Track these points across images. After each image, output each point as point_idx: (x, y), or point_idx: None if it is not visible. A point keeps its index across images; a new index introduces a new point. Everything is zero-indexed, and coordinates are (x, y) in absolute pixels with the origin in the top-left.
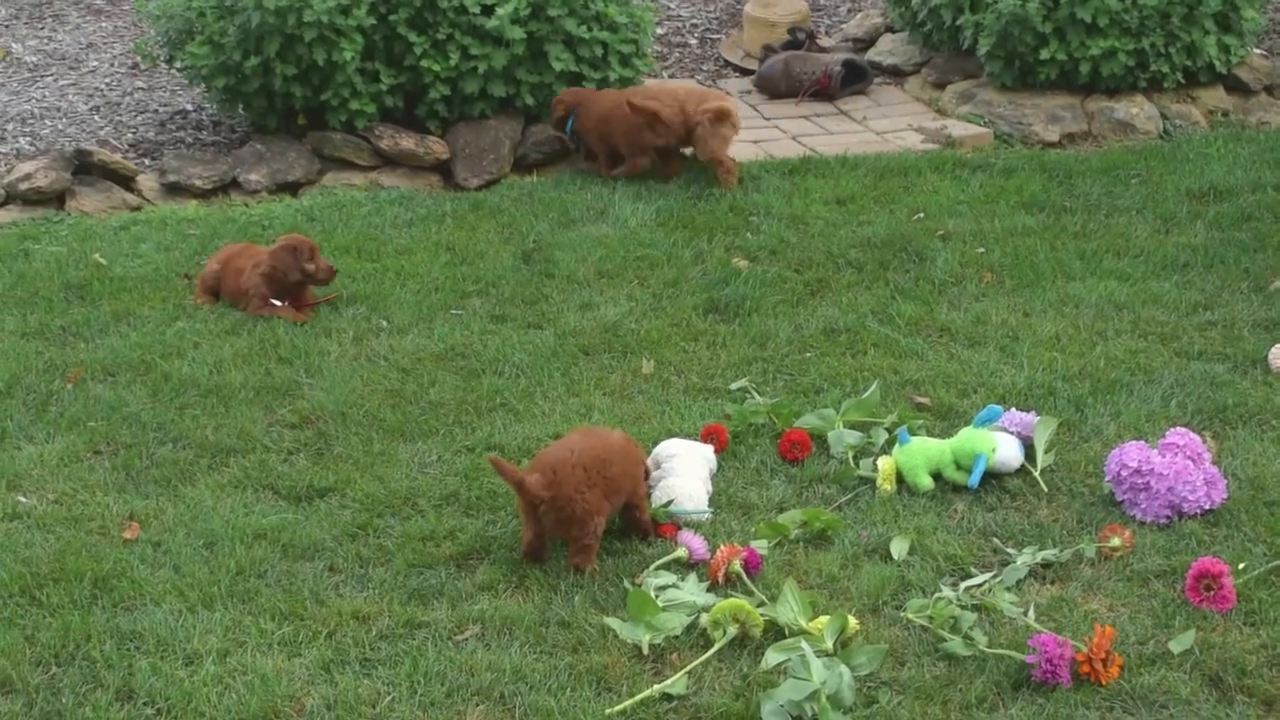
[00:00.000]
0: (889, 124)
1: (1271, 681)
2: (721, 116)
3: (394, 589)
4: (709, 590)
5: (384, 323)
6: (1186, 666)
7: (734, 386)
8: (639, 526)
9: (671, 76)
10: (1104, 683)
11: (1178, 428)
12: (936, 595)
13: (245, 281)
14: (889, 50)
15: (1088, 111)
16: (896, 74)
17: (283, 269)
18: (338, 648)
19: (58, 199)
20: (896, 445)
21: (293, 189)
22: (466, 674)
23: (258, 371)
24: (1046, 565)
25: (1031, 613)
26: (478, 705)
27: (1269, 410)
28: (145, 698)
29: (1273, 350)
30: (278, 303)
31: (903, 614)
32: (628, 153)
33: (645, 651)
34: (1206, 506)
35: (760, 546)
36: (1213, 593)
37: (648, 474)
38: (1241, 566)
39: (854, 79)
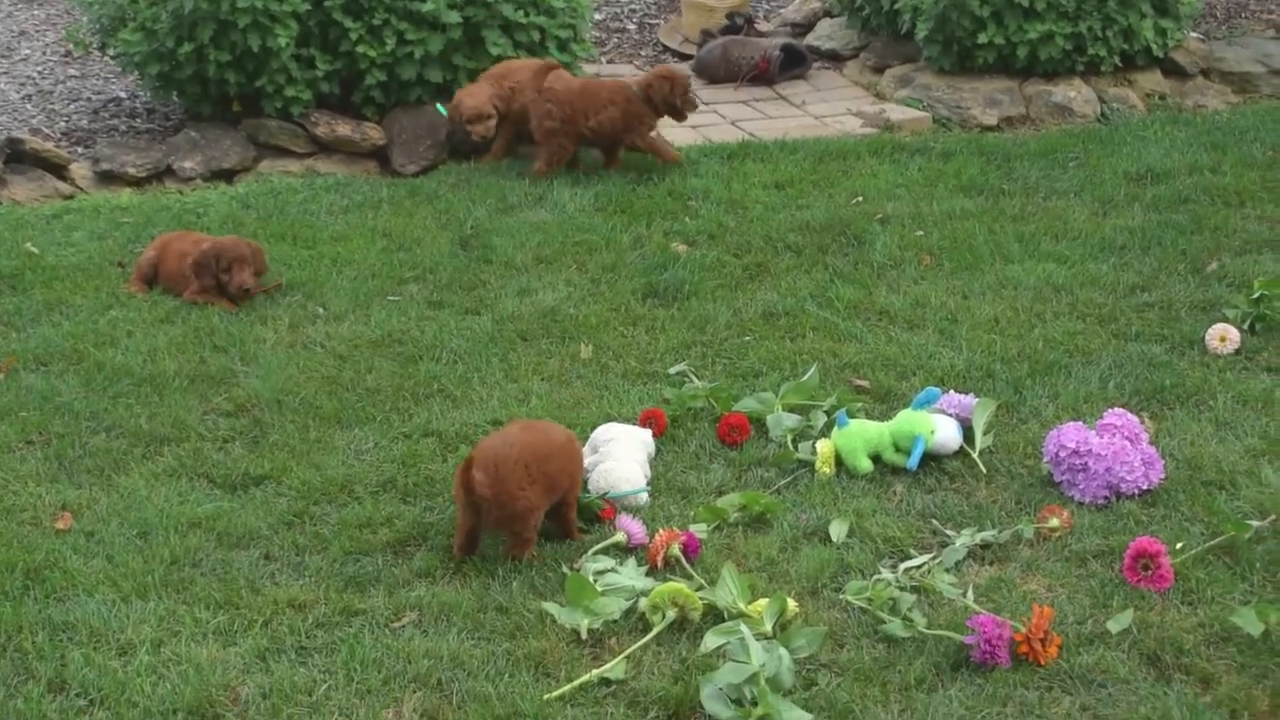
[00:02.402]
0: (827, 108)
1: (1209, 660)
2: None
3: (330, 576)
4: (648, 574)
5: (320, 310)
6: (1124, 646)
7: (672, 371)
8: (565, 526)
9: (610, 62)
10: (1042, 663)
11: (1115, 408)
12: (875, 577)
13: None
14: (827, 35)
15: (1026, 95)
16: (835, 58)
17: (199, 269)
18: (273, 636)
19: None
20: (835, 428)
21: (228, 176)
22: (403, 661)
23: (192, 359)
24: (985, 546)
25: (970, 594)
26: (415, 692)
27: (1206, 391)
28: (78, 689)
29: (1210, 331)
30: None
31: (842, 596)
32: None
33: (584, 636)
34: (1144, 487)
35: (699, 530)
36: (1150, 572)
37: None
38: (1179, 546)
39: (792, 64)
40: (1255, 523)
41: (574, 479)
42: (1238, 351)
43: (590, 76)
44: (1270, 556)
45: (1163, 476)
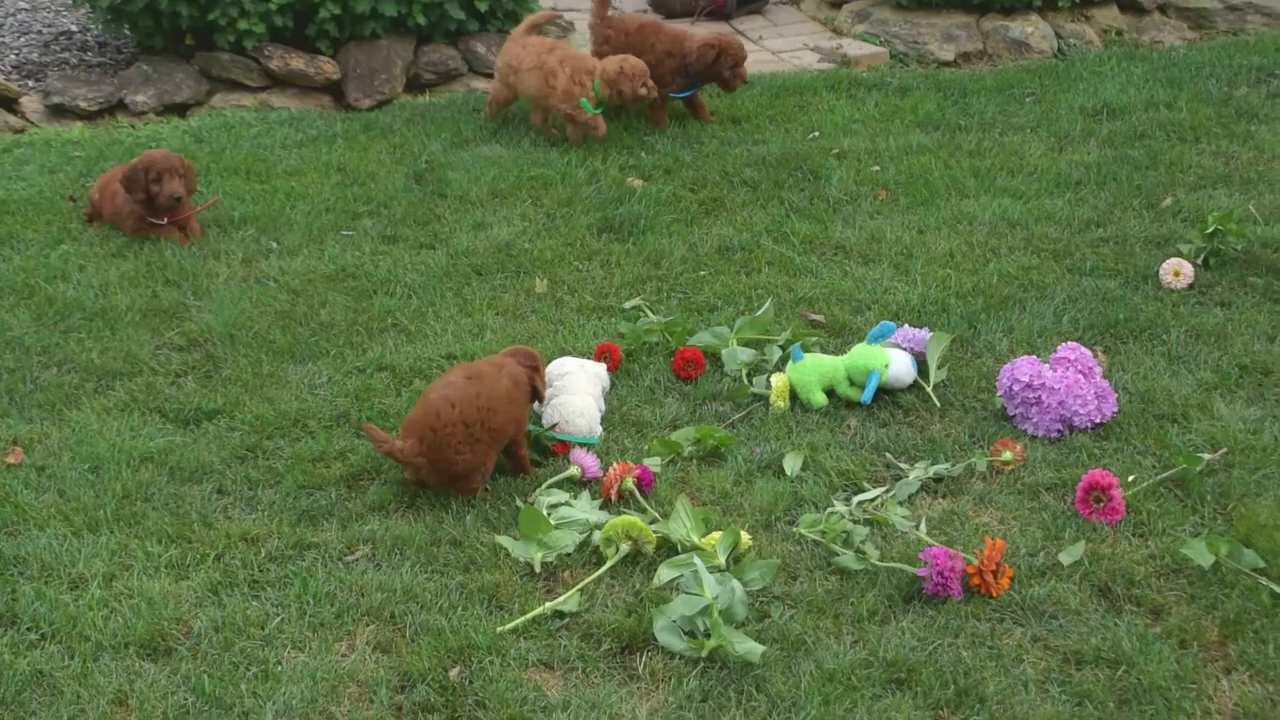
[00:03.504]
0: (785, 43)
1: (1159, 591)
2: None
3: (283, 511)
4: (601, 508)
5: (274, 244)
6: (1076, 578)
7: (628, 305)
8: (518, 462)
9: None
10: (994, 594)
11: (1069, 343)
12: (829, 510)
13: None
14: None
15: (983, 30)
16: None
17: (130, 184)
18: (226, 570)
19: None
20: (790, 362)
21: (180, 110)
22: (357, 594)
23: (144, 294)
24: (938, 479)
25: (923, 526)
26: (368, 625)
27: (1160, 325)
28: (29, 623)
29: (1164, 266)
30: (157, 221)
31: (795, 529)
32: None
33: (537, 569)
34: (1097, 420)
35: (653, 464)
36: (1102, 505)
37: (540, 396)
38: (1131, 479)
39: None
40: (1206, 455)
41: (520, 422)
42: (1191, 286)
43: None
44: (1221, 489)
45: (1115, 410)
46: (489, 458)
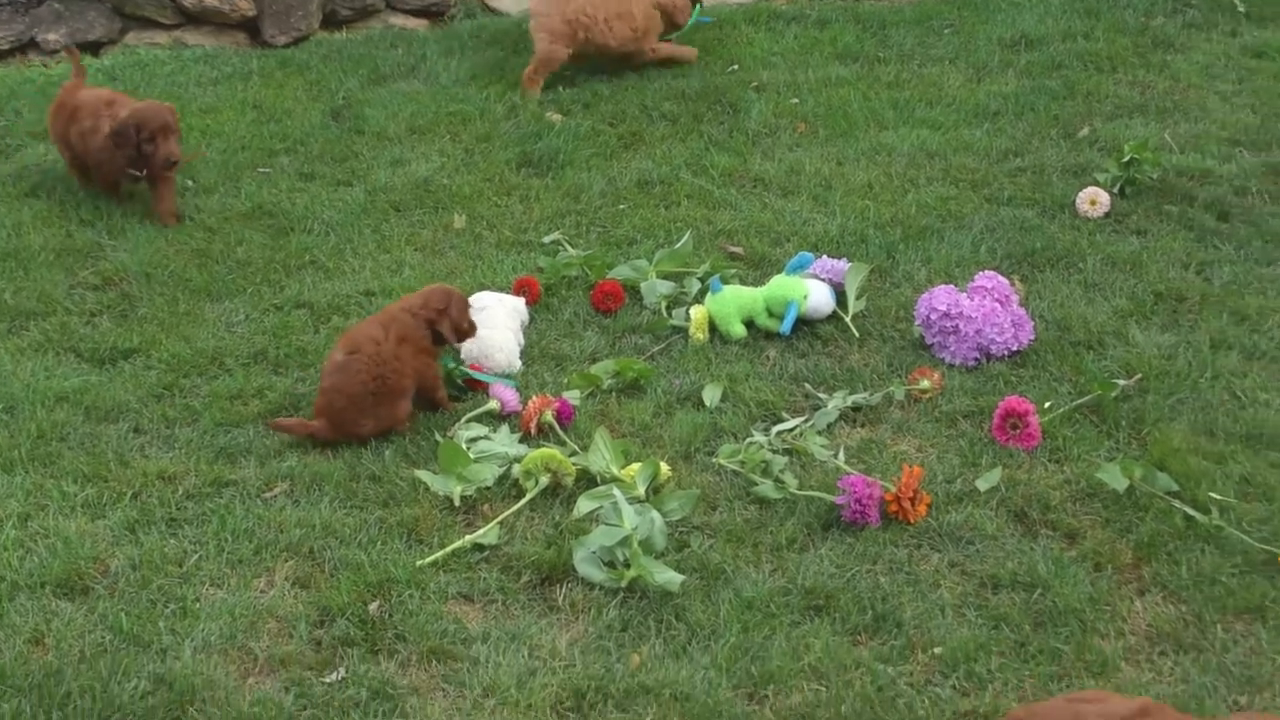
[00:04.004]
0: None
1: (1074, 515)
2: None
3: (201, 448)
4: (521, 441)
5: (189, 182)
6: (993, 503)
7: (547, 239)
8: (434, 403)
9: None
10: (912, 521)
11: (986, 271)
12: (748, 440)
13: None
14: None
15: None
16: None
17: (120, 139)
18: (143, 508)
19: None
20: (709, 294)
21: (93, 48)
22: (275, 530)
23: (58, 234)
24: (857, 409)
25: (841, 455)
26: (287, 561)
27: (1076, 253)
28: None
29: (1080, 195)
30: (136, 174)
31: (715, 460)
32: None
33: (457, 503)
34: (1014, 348)
35: (573, 397)
36: (1019, 431)
37: (449, 339)
38: (1047, 405)
39: None
40: (1121, 381)
41: (422, 370)
42: (1107, 215)
43: None
44: (1136, 414)
45: (1032, 338)
46: (400, 408)
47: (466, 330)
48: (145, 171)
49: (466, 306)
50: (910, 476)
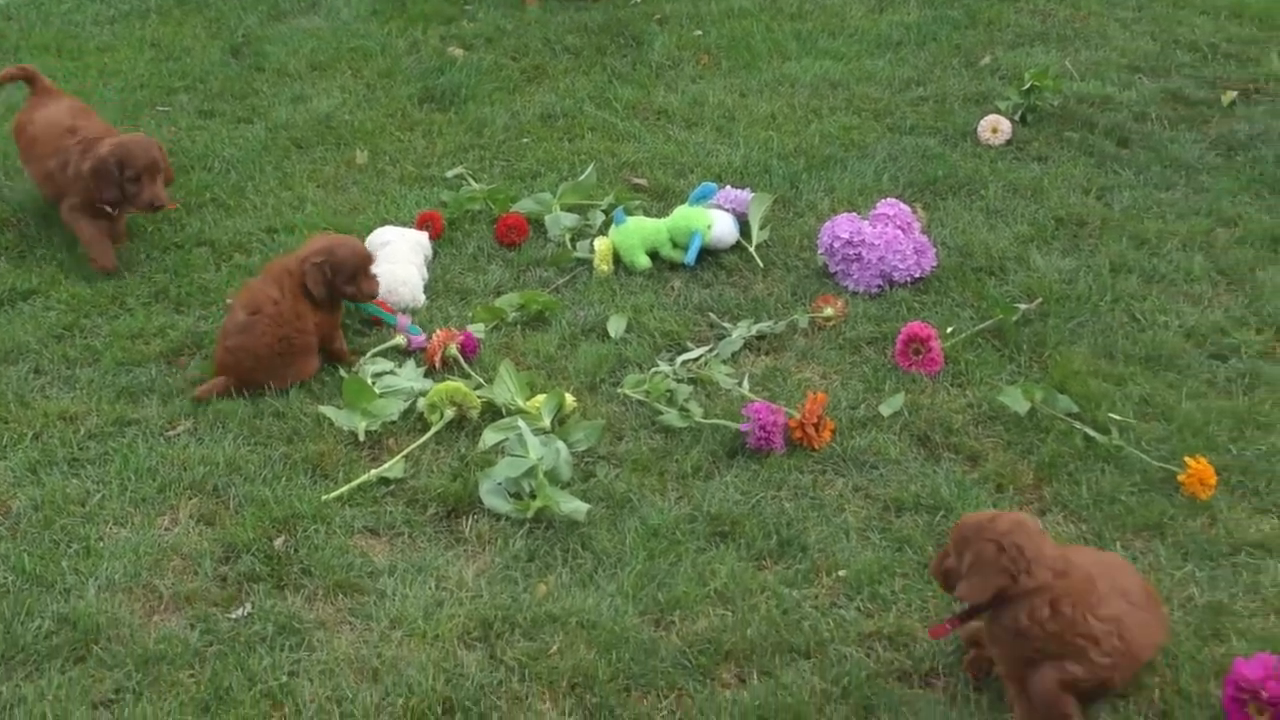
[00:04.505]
0: None
1: (976, 439)
2: None
3: (102, 388)
4: (426, 375)
5: None
6: (896, 428)
7: (450, 174)
8: (335, 356)
9: None
10: (816, 447)
11: (888, 199)
12: (653, 370)
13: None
14: None
15: None
16: None
17: (100, 178)
18: (44, 449)
19: None
20: (613, 226)
21: None
22: (179, 469)
23: None
24: (761, 337)
25: (746, 383)
26: (191, 499)
27: (978, 180)
28: None
29: (982, 123)
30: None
31: (620, 390)
32: None
33: (361, 438)
34: (916, 274)
35: (477, 330)
36: (921, 356)
37: (360, 279)
38: (949, 330)
39: None
40: (1023, 305)
41: (322, 323)
42: (1009, 142)
43: None
44: (1037, 338)
45: (934, 264)
46: (308, 364)
47: (358, 292)
48: (117, 211)
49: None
50: (814, 403)
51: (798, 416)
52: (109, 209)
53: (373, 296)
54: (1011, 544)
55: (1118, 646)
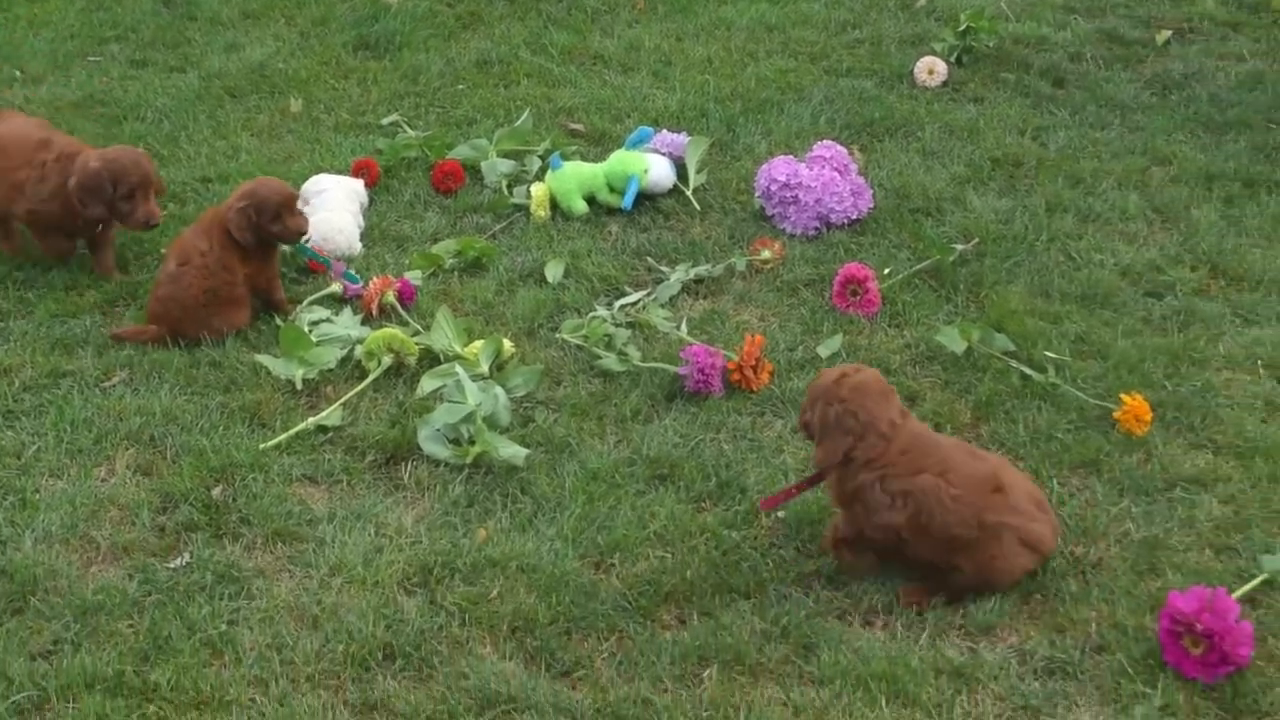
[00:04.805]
0: None
1: (914, 379)
2: None
3: (36, 340)
4: (363, 323)
5: (17, 73)
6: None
7: (385, 121)
8: (274, 307)
9: None
10: (754, 389)
11: (824, 141)
12: (591, 315)
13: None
14: None
15: None
16: None
17: (87, 194)
18: None
19: None
20: (550, 172)
21: None
22: (115, 419)
23: None
24: (699, 281)
25: (684, 327)
26: (128, 449)
27: (914, 122)
28: None
29: (918, 64)
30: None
31: (558, 335)
32: None
33: (299, 387)
34: (853, 216)
35: (414, 277)
36: (859, 297)
37: (285, 216)
38: (887, 271)
39: None
40: (959, 246)
41: (256, 273)
42: (945, 83)
43: None
44: (974, 278)
45: (871, 206)
46: (237, 315)
47: (284, 231)
48: (101, 229)
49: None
50: (752, 345)
51: (736, 359)
52: (94, 226)
53: (301, 233)
54: (852, 408)
55: (952, 520)
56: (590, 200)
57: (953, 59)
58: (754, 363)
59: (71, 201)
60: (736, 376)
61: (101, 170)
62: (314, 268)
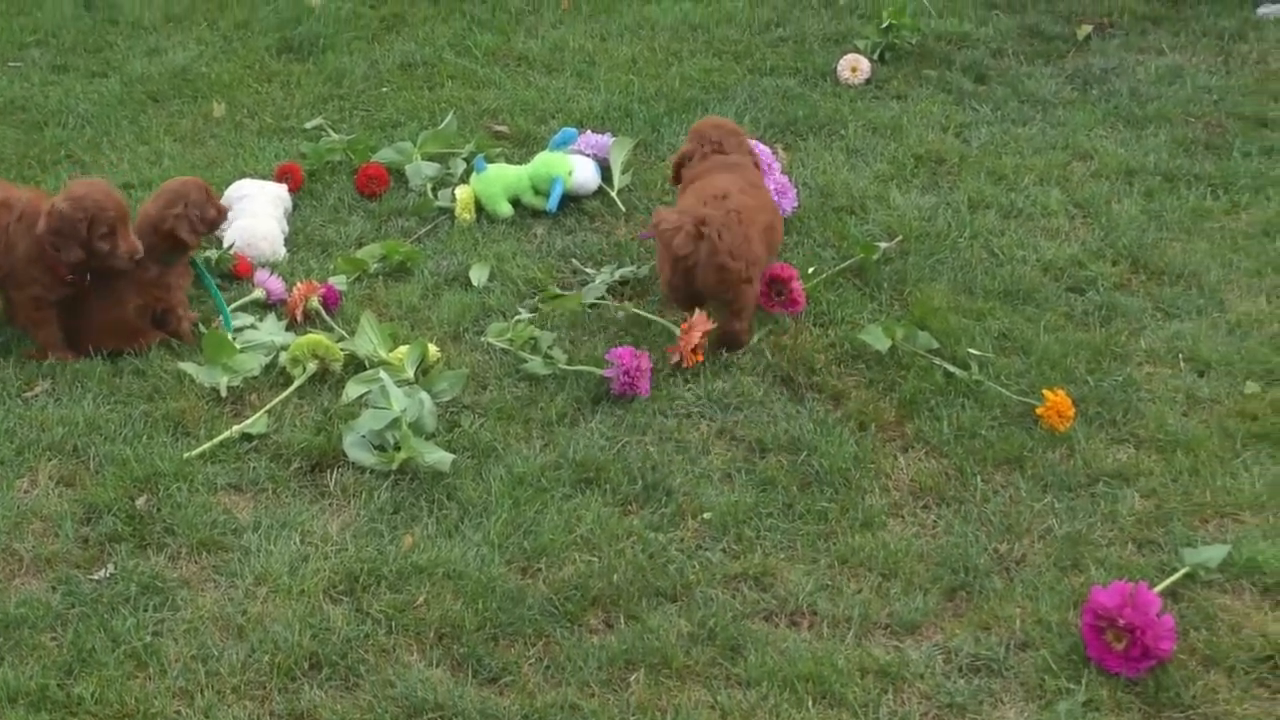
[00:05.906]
0: None
1: (838, 378)
2: None
3: None
4: (288, 329)
5: None
6: (759, 369)
7: (309, 125)
8: (178, 336)
9: None
10: (688, 365)
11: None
12: (516, 318)
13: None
14: None
15: None
16: None
17: (60, 237)
18: None
19: None
20: (474, 174)
21: None
22: (37, 430)
23: None
24: (624, 282)
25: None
26: (50, 460)
27: (838, 120)
28: None
29: (841, 62)
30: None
31: (483, 339)
32: None
33: (223, 394)
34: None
35: (339, 282)
36: (783, 297)
37: (213, 220)
38: (811, 271)
39: None
40: (883, 244)
41: (155, 298)
42: (868, 81)
43: None
44: (897, 276)
45: (795, 205)
46: (138, 339)
47: (214, 217)
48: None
49: (205, 197)
50: (699, 321)
51: (679, 333)
52: (72, 278)
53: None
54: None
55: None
56: (515, 203)
57: (876, 56)
58: (693, 346)
59: (46, 253)
60: (676, 359)
61: (74, 212)
62: (241, 270)
